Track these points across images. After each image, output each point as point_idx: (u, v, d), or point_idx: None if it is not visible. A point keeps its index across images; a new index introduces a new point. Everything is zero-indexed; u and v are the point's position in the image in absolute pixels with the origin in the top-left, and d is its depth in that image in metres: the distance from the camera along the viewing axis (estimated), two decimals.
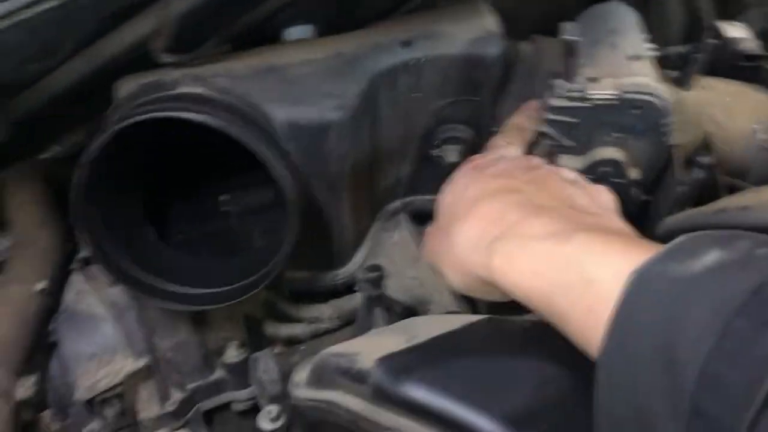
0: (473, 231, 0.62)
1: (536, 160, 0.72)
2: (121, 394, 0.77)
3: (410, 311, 0.72)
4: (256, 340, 0.87)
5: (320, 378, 0.64)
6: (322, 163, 0.73)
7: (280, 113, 0.70)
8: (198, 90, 0.67)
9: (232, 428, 0.88)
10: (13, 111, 0.95)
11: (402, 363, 0.55)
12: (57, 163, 0.97)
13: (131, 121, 0.63)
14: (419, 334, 0.59)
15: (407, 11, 1.04)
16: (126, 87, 0.73)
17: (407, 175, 0.87)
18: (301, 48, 0.77)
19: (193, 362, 0.84)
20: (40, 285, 0.74)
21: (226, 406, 0.87)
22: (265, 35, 0.93)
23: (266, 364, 0.78)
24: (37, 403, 0.72)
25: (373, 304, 0.65)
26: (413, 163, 0.86)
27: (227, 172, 0.90)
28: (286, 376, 0.76)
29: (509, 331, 0.57)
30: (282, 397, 0.77)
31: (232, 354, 0.84)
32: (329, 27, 0.88)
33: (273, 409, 0.71)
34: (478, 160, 0.74)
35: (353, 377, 0.57)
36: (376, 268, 0.64)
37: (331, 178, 0.74)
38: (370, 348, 0.58)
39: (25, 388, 0.68)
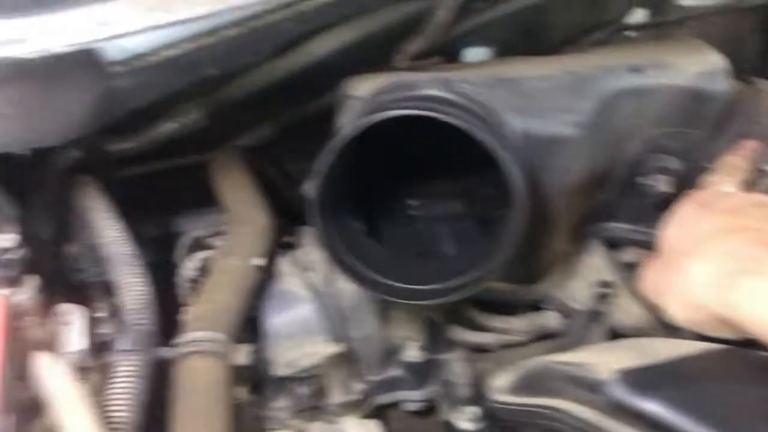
0: (708, 266, 0.61)
1: (764, 198, 0.71)
2: (315, 376, 0.79)
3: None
4: (434, 343, 0.88)
5: (536, 385, 0.64)
6: (550, 177, 0.74)
7: (516, 123, 0.72)
8: (443, 93, 0.69)
9: (398, 426, 0.89)
10: (213, 100, 1.01)
11: (644, 378, 0.55)
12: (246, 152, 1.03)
13: (389, 114, 0.66)
14: (651, 353, 0.58)
15: (591, 43, 1.06)
16: (364, 86, 0.76)
17: (606, 201, 0.87)
18: (530, 63, 0.79)
19: (375, 356, 0.86)
20: (258, 262, 0.78)
21: (394, 403, 0.89)
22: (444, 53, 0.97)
23: (459, 368, 0.79)
24: (249, 372, 0.75)
25: (595, 319, 0.66)
26: (616, 188, 0.86)
27: (415, 179, 0.93)
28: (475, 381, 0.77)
29: (755, 362, 0.56)
30: (473, 401, 0.78)
31: (412, 354, 0.86)
32: (506, 51, 0.92)
33: (473, 410, 0.71)
34: (702, 195, 0.74)
35: (586, 386, 0.57)
36: (607, 284, 0.64)
37: (553, 193, 0.75)
38: (603, 360, 0.58)
39: (242, 355, 0.71)
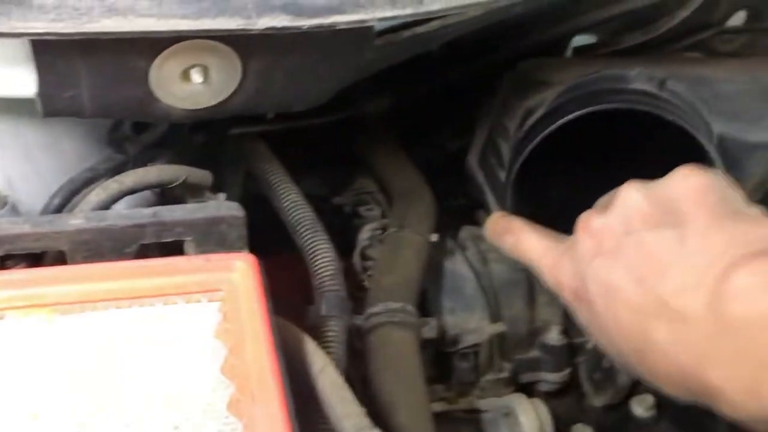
0: None
1: None
2: (477, 352, 0.81)
3: None
4: (574, 329, 0.91)
5: None
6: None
7: (715, 126, 0.74)
8: (656, 90, 0.71)
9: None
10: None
11: None
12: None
13: (609, 106, 0.67)
14: None
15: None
16: (561, 72, 0.77)
17: None
18: (723, 66, 0.81)
19: (521, 336, 0.88)
20: (434, 237, 0.79)
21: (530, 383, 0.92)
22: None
23: None
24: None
25: None
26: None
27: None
28: None
29: None
30: (627, 389, 0.81)
31: (554, 337, 0.88)
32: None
33: (649, 398, 0.74)
34: None
35: None
36: None
37: None
38: None
39: (429, 328, 0.73)
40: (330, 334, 0.68)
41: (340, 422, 0.54)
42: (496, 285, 0.86)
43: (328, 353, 0.66)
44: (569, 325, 0.90)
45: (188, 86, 0.55)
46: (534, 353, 0.89)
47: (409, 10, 0.50)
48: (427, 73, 1.05)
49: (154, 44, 0.51)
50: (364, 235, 0.82)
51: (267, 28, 0.48)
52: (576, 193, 0.94)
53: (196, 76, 0.54)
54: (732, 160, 0.75)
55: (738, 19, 1.18)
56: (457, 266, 0.83)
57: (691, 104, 0.72)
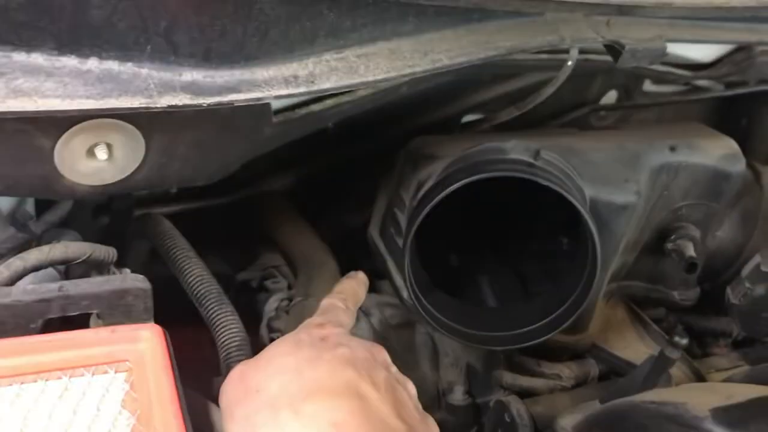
0: None
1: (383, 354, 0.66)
2: None
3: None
4: (478, 388, 0.95)
5: (617, 424, 0.72)
6: (607, 241, 0.83)
7: (586, 190, 0.81)
8: (531, 159, 0.78)
9: None
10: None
11: (737, 416, 0.64)
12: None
13: (491, 175, 0.74)
14: (734, 395, 0.68)
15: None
16: (447, 147, 0.83)
17: (629, 262, 0.98)
18: (585, 136, 0.89)
19: (426, 398, 0.91)
20: None
21: None
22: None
23: (519, 409, 0.85)
24: None
25: (666, 365, 0.75)
26: (639, 251, 0.97)
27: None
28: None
29: None
30: None
31: (458, 398, 0.92)
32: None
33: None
34: (320, 328, 0.65)
35: (684, 424, 0.66)
36: (682, 334, 0.74)
37: (606, 258, 0.84)
38: (695, 400, 0.67)
39: None
40: None
41: None
42: (401, 349, 0.90)
43: None
44: (473, 385, 0.94)
45: (93, 163, 0.57)
46: (441, 414, 0.92)
47: (302, 89, 0.55)
48: (328, 149, 1.11)
49: (58, 123, 0.53)
50: (271, 306, 0.84)
51: (169, 106, 0.51)
52: (471, 255, 1.01)
53: (101, 153, 0.56)
54: (602, 220, 0.82)
55: (610, 98, 1.30)
56: (362, 332, 0.86)
57: (564, 171, 0.80)
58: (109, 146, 0.57)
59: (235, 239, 1.07)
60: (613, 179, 0.83)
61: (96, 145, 0.56)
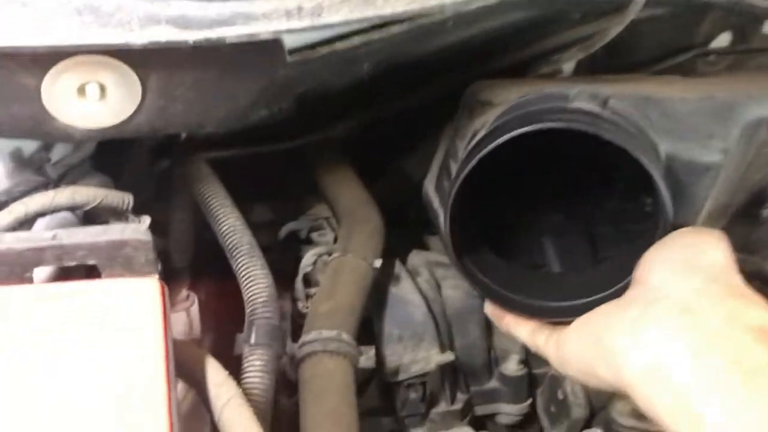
0: None
1: None
2: (425, 383, 0.78)
3: None
4: (534, 358, 0.87)
5: None
6: (687, 203, 0.73)
7: (663, 145, 0.71)
8: (597, 109, 0.68)
9: None
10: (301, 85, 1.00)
11: None
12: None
13: (546, 126, 0.64)
14: None
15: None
16: (505, 93, 0.74)
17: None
18: (672, 84, 0.78)
19: (477, 366, 0.85)
20: (378, 263, 0.76)
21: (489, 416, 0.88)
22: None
23: (574, 386, 0.77)
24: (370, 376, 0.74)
25: None
26: (730, 218, 0.85)
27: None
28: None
29: None
30: (582, 422, 0.77)
31: (512, 367, 0.85)
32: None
33: None
34: None
35: None
36: None
37: (684, 222, 0.74)
38: None
39: (366, 358, 0.70)
40: (257, 363, 0.66)
41: None
42: (450, 312, 0.83)
43: (250, 384, 0.64)
44: (529, 355, 0.87)
45: (85, 104, 0.53)
46: (492, 384, 0.86)
47: (306, 22, 0.48)
48: (390, 96, 1.04)
49: (41, 60, 0.49)
50: (308, 260, 0.79)
51: (151, 42, 0.46)
52: (537, 214, 0.92)
53: (92, 93, 0.52)
54: (680, 182, 0.72)
55: (723, 41, 1.15)
56: (407, 293, 0.81)
57: (635, 123, 0.69)
58: (101, 86, 0.52)
59: (291, 188, 1.03)
60: (695, 135, 0.72)
61: (86, 84, 0.52)
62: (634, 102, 0.72)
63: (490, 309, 0.73)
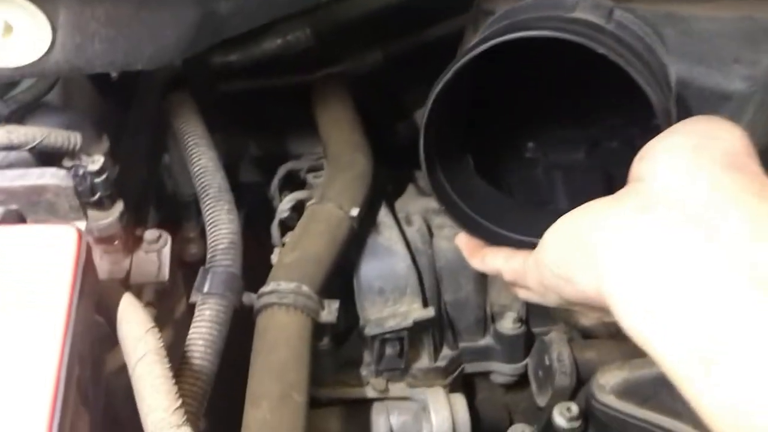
0: None
1: None
2: (402, 338, 0.73)
3: None
4: (533, 316, 0.81)
5: (651, 395, 0.57)
6: None
7: (678, 68, 0.61)
8: (600, 20, 0.59)
9: (484, 396, 0.84)
10: (321, 19, 0.94)
11: None
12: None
13: (526, 34, 0.56)
14: None
15: None
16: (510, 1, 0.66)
17: None
18: (704, 1, 0.67)
19: (469, 322, 0.80)
20: (355, 211, 0.72)
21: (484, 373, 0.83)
22: None
23: (561, 353, 0.71)
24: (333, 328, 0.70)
25: None
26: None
27: (539, 121, 0.84)
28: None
29: None
30: (570, 392, 0.71)
31: (508, 325, 0.79)
32: None
33: (573, 407, 0.64)
34: None
35: None
36: None
37: None
38: None
39: (328, 312, 0.66)
40: (207, 313, 0.63)
41: (145, 417, 0.49)
42: (440, 265, 0.78)
43: (197, 335, 0.62)
44: (529, 313, 0.81)
45: None
46: (485, 341, 0.81)
47: None
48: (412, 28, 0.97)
49: None
50: (284, 205, 0.75)
51: None
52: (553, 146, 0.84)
53: None
54: (693, 111, 0.63)
55: None
56: (392, 243, 0.75)
57: (642, 40, 0.60)
58: (6, 24, 0.49)
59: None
60: (716, 59, 0.61)
61: None
62: (654, 18, 0.63)
63: (463, 240, 0.64)
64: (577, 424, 0.63)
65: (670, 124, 0.56)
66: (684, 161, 0.42)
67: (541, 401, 0.74)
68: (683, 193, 0.40)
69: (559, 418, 0.64)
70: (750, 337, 0.35)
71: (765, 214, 0.38)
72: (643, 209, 0.41)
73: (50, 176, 0.52)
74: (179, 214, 0.92)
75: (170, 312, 0.75)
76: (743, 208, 0.38)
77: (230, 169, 0.85)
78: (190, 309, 0.66)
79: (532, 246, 0.53)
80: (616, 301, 0.40)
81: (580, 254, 0.44)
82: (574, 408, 0.63)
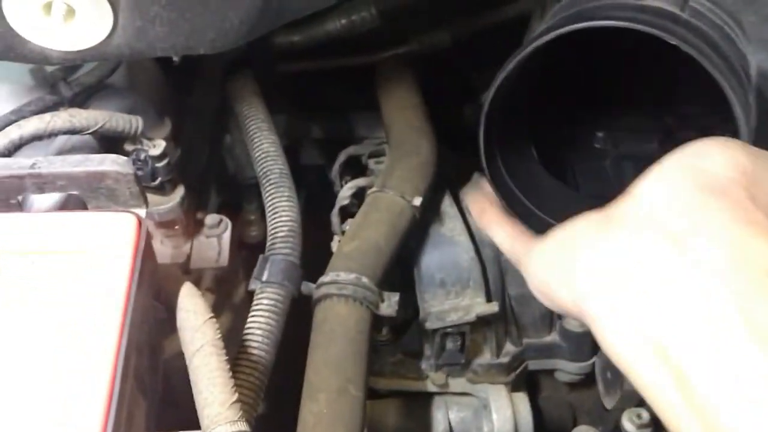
0: None
1: None
2: (464, 332, 0.71)
3: None
4: None
5: None
6: None
7: (759, 58, 0.57)
8: (675, 9, 0.55)
9: (548, 394, 0.81)
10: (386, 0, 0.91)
11: None
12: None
13: (593, 24, 0.53)
14: None
15: None
16: None
17: None
18: None
19: (534, 318, 0.77)
20: (417, 201, 0.69)
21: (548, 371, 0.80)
22: None
23: None
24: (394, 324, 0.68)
25: None
26: None
27: (609, 110, 0.81)
28: None
29: None
30: (637, 395, 0.68)
31: (575, 322, 0.76)
32: None
33: (644, 414, 0.61)
34: None
35: None
36: None
37: None
38: None
39: (387, 305, 0.64)
40: (265, 303, 0.62)
41: (201, 409, 0.48)
42: (505, 258, 0.75)
43: (255, 324, 0.61)
44: None
45: (54, 24, 0.49)
46: (550, 338, 0.78)
47: None
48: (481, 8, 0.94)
49: None
50: (344, 193, 0.73)
51: None
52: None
53: (58, 12, 0.48)
54: None
55: None
56: (455, 233, 0.73)
57: (720, 28, 0.56)
58: (69, 6, 0.48)
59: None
60: None
61: (50, 2, 0.48)
62: (731, 3, 0.59)
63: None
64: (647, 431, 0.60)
65: (749, 119, 0.52)
66: (673, 187, 0.42)
67: (608, 403, 0.71)
68: (666, 222, 0.40)
69: (629, 425, 0.61)
70: (725, 359, 0.35)
71: (748, 247, 0.37)
72: (624, 228, 0.42)
73: (111, 162, 0.52)
74: (240, 196, 0.91)
75: (229, 297, 0.74)
76: (727, 240, 0.38)
77: (291, 150, 0.84)
78: (250, 294, 0.65)
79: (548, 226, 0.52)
80: (592, 320, 0.42)
81: (560, 271, 0.45)
82: (645, 415, 0.60)
